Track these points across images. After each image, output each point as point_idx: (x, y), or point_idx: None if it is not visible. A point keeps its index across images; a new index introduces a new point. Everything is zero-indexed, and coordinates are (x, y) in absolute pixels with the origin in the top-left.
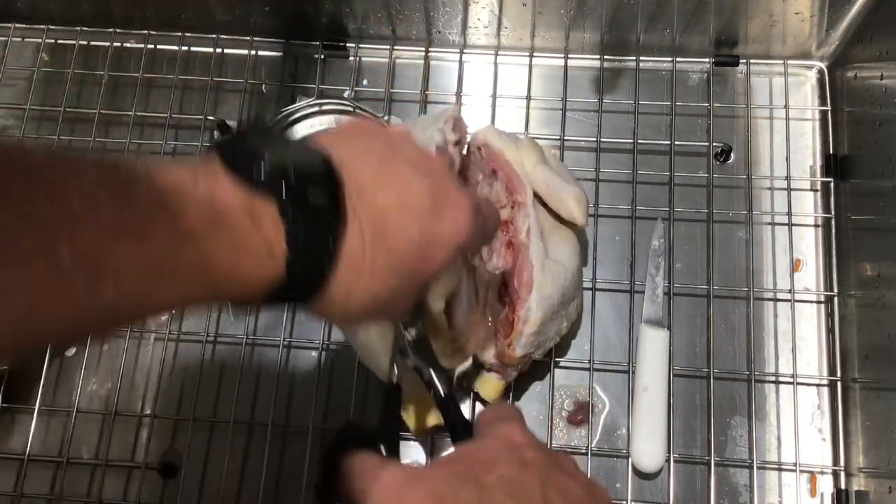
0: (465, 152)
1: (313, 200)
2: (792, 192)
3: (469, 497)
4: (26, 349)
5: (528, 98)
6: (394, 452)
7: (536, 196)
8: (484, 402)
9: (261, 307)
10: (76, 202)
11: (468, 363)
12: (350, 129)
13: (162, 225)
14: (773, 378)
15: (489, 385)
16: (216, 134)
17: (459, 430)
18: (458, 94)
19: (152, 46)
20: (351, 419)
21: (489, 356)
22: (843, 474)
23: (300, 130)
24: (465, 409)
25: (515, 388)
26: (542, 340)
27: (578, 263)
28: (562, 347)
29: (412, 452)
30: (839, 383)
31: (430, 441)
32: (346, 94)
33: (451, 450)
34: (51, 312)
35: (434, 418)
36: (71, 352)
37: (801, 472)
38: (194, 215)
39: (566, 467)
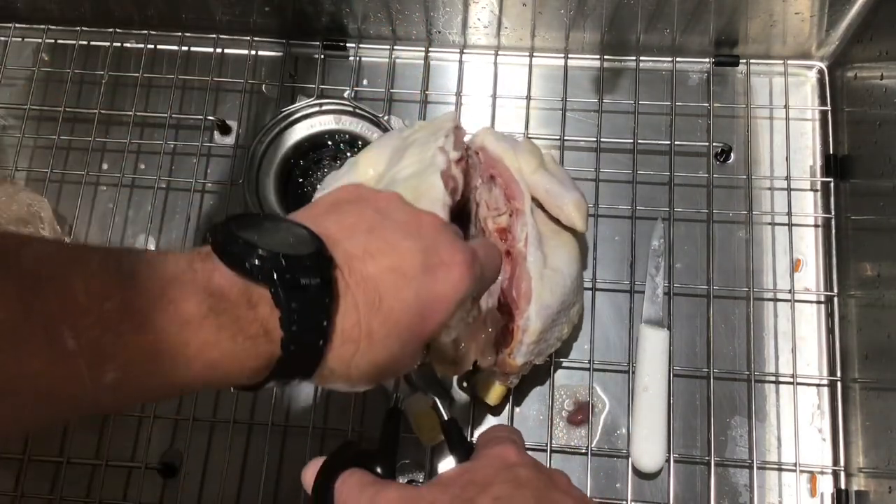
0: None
1: (306, 283)
2: (792, 192)
3: None
4: (27, 430)
5: (528, 98)
6: (390, 474)
7: (535, 200)
8: (486, 406)
9: (262, 386)
10: (80, 293)
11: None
12: (337, 199)
13: (161, 312)
14: (773, 378)
15: (491, 390)
16: (216, 134)
17: (461, 452)
18: (458, 94)
19: (152, 46)
20: (349, 439)
21: (490, 364)
22: (843, 474)
23: (300, 130)
24: (467, 412)
25: (516, 389)
26: (542, 348)
27: (578, 268)
28: (562, 347)
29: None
30: (839, 383)
31: (430, 460)
32: (346, 94)
33: (447, 468)
34: (53, 397)
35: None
36: None
37: (801, 472)
38: (192, 302)
39: (560, 485)
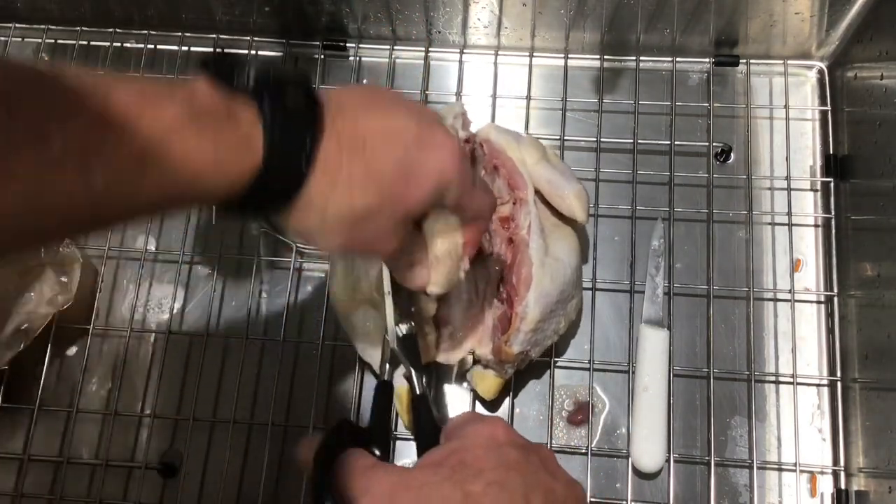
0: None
1: (291, 104)
2: (792, 192)
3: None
4: (26, 242)
5: (528, 98)
6: (385, 451)
7: (538, 194)
8: (482, 399)
9: (242, 211)
10: (64, 99)
11: (465, 357)
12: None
13: (147, 119)
14: (773, 378)
15: (486, 382)
16: None
17: (428, 430)
18: (459, 94)
19: (152, 46)
20: (345, 418)
21: (486, 352)
22: (843, 474)
23: None
24: (465, 404)
25: (515, 388)
26: (539, 338)
27: (578, 263)
28: (562, 347)
29: (408, 451)
30: (839, 383)
31: None
32: None
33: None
34: (46, 200)
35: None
36: (72, 351)
37: (801, 472)
38: (173, 110)
39: (548, 465)
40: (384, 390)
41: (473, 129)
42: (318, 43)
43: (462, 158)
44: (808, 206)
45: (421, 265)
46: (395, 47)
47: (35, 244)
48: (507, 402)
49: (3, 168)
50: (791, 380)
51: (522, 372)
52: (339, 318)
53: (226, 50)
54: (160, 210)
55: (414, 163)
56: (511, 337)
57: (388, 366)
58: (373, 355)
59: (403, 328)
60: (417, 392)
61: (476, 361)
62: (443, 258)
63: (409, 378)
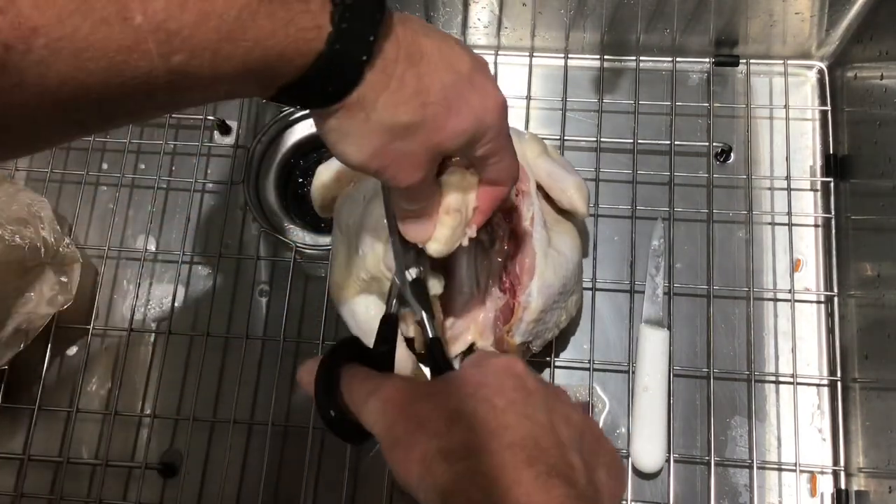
0: None
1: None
2: (792, 192)
3: (485, 415)
4: (111, 119)
5: (528, 98)
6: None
7: (539, 189)
8: None
9: (294, 99)
10: None
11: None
12: None
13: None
14: (773, 378)
15: None
16: (216, 134)
17: (443, 370)
18: None
19: None
20: (351, 336)
21: (488, 343)
22: (843, 474)
23: (300, 130)
24: None
25: None
26: (540, 330)
27: (579, 258)
28: (561, 347)
29: None
30: (839, 383)
31: None
32: None
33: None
34: (128, 68)
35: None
36: (72, 351)
37: (801, 472)
38: None
39: (563, 398)
40: (389, 322)
41: None
42: None
43: (505, 112)
44: (808, 205)
45: (428, 218)
46: None
47: (120, 121)
48: None
49: (88, 39)
50: (791, 380)
51: None
52: (338, 307)
53: (228, 123)
54: (227, 93)
55: (462, 93)
56: (513, 327)
57: (394, 301)
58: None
59: (413, 272)
60: (431, 335)
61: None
62: (452, 214)
63: (420, 322)
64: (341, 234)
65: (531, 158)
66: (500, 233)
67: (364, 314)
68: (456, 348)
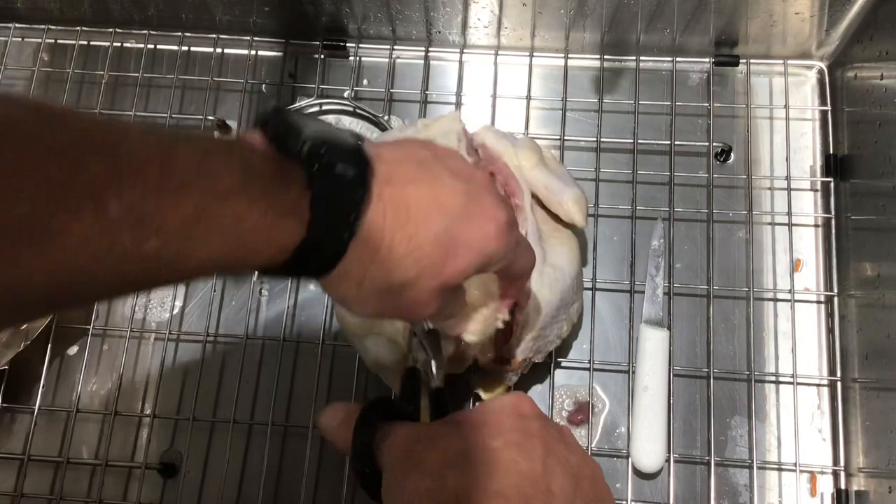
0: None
1: (341, 172)
2: (792, 192)
3: (477, 458)
4: (79, 298)
5: (528, 98)
6: None
7: (535, 198)
8: (472, 398)
9: (281, 276)
10: (123, 161)
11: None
12: (399, 138)
13: (198, 182)
14: (773, 378)
15: (490, 388)
16: (216, 134)
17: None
18: (458, 94)
19: (152, 46)
20: (383, 397)
21: (489, 361)
22: (843, 474)
23: None
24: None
25: (516, 388)
26: (541, 345)
27: (578, 266)
28: (562, 347)
29: None
30: (839, 383)
31: None
32: (346, 94)
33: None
34: (97, 260)
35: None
36: (72, 351)
37: (801, 472)
38: (228, 174)
39: (567, 440)
40: (413, 376)
41: (470, 130)
42: (318, 43)
43: (509, 229)
44: (807, 205)
45: (457, 315)
46: (395, 47)
47: (86, 303)
48: None
49: (61, 228)
50: (791, 380)
51: (523, 373)
52: (349, 337)
53: (228, 123)
54: (204, 275)
55: (457, 235)
56: (513, 346)
57: (413, 355)
58: (388, 377)
59: (430, 323)
60: (437, 384)
61: (480, 367)
62: (479, 309)
63: (426, 371)
64: None
65: (527, 170)
66: None
67: (375, 351)
68: (459, 367)
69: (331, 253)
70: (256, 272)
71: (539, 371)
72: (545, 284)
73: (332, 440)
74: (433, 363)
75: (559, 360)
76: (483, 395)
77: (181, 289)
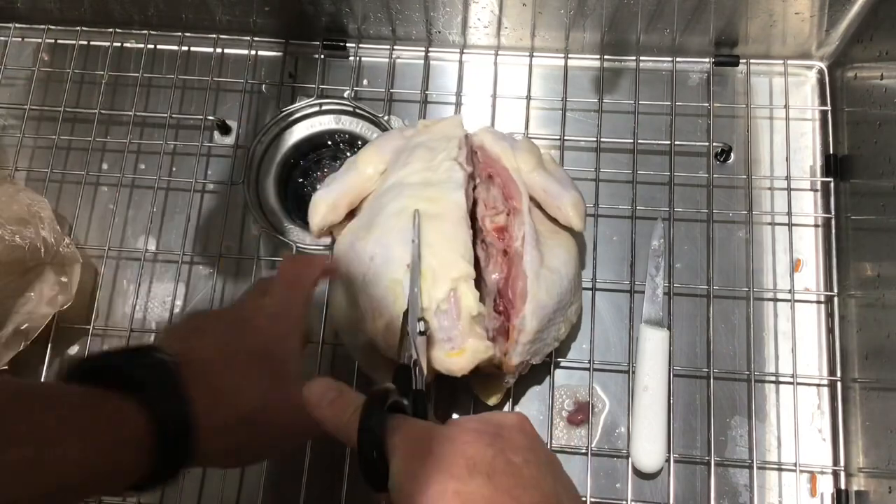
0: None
1: (147, 370)
2: (792, 192)
3: (503, 469)
4: None
5: (528, 98)
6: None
7: (533, 200)
8: (485, 406)
9: (167, 477)
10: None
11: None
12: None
13: (51, 402)
14: (773, 378)
15: (489, 390)
16: (216, 134)
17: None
18: (458, 94)
19: (152, 46)
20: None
21: (487, 364)
22: (843, 474)
23: (300, 130)
24: (468, 412)
25: (516, 388)
26: (539, 348)
27: (575, 268)
28: (562, 347)
29: None
30: (839, 383)
31: None
32: (346, 94)
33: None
34: None
35: (496, 397)
36: (73, 351)
37: (801, 472)
38: (72, 397)
39: (559, 465)
40: (405, 373)
41: (470, 130)
42: (318, 43)
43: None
44: (807, 206)
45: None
46: (395, 47)
47: None
48: (507, 402)
49: None
50: (791, 380)
51: (523, 374)
52: (340, 333)
53: (228, 123)
54: (84, 492)
55: (247, 334)
56: (510, 349)
57: (405, 353)
58: (378, 377)
59: (421, 325)
60: (419, 387)
61: (478, 371)
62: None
63: (410, 371)
64: (341, 282)
65: (525, 173)
66: (493, 251)
67: (364, 355)
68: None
69: (185, 436)
70: (142, 486)
71: (539, 371)
72: (542, 288)
73: (320, 418)
74: (420, 366)
75: (559, 360)
76: (483, 398)
77: (181, 288)
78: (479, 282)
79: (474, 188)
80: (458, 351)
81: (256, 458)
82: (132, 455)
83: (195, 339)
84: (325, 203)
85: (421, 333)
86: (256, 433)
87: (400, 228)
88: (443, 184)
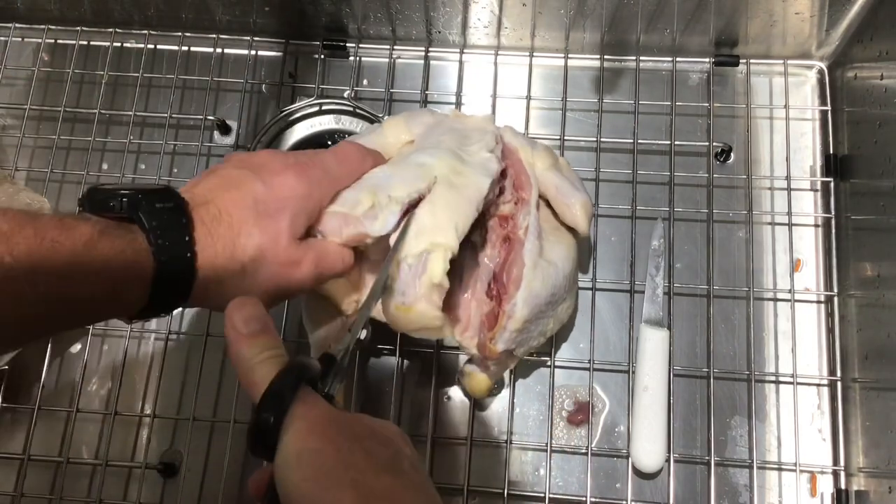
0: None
1: (161, 206)
2: (792, 192)
3: (402, 468)
4: None
5: (528, 98)
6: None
7: (543, 198)
8: (471, 398)
9: (159, 308)
10: (3, 226)
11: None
12: (214, 168)
13: (67, 232)
14: (773, 378)
15: (476, 381)
16: (216, 134)
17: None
18: (458, 94)
19: (152, 46)
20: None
21: (472, 344)
22: (843, 474)
23: (300, 130)
24: (464, 412)
25: (515, 388)
26: (524, 338)
27: (573, 267)
28: (561, 347)
29: None
30: (839, 383)
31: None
32: (346, 94)
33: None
34: (3, 296)
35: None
36: (75, 349)
37: (801, 472)
38: (87, 227)
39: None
40: (329, 361)
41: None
42: (318, 43)
43: (304, 170)
44: (807, 205)
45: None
46: (395, 47)
47: None
48: (507, 401)
49: None
50: (791, 380)
51: (522, 372)
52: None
53: (228, 123)
54: (90, 316)
55: (267, 202)
56: (497, 334)
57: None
58: (314, 333)
59: (364, 333)
60: (334, 380)
61: (468, 360)
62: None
63: (334, 362)
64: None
65: (540, 170)
66: (493, 237)
67: (311, 308)
68: (440, 332)
69: (182, 274)
70: (136, 315)
71: (539, 371)
72: (537, 277)
73: (233, 345)
74: (346, 357)
75: (558, 359)
76: (468, 387)
77: None
78: (471, 266)
79: (500, 190)
80: (406, 307)
81: None
82: (132, 291)
83: (214, 182)
84: None
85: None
86: (252, 281)
87: (414, 176)
88: (475, 167)
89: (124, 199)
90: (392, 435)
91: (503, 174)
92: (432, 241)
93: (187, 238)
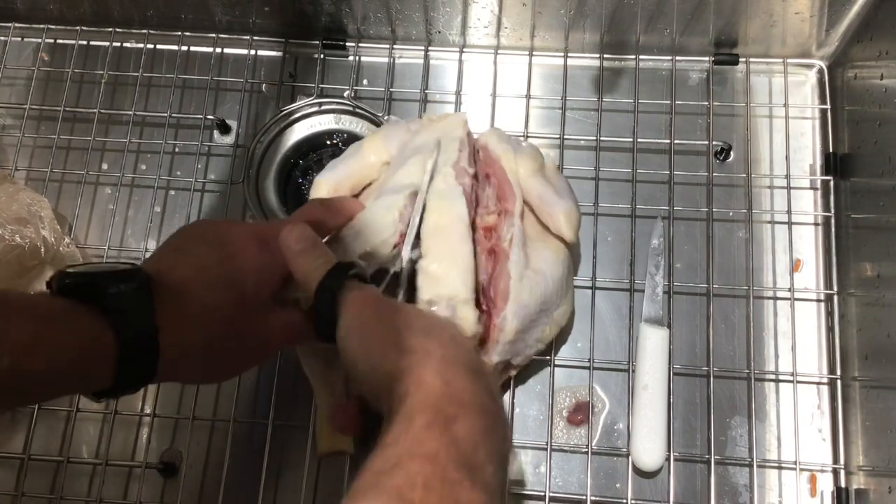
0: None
1: (116, 290)
2: (792, 191)
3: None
4: None
5: (528, 98)
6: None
7: (528, 205)
8: None
9: (125, 386)
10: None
11: None
12: (180, 235)
13: (29, 312)
14: (773, 377)
15: None
16: (216, 134)
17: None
18: (458, 94)
19: (152, 46)
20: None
21: None
22: (843, 473)
23: (300, 130)
24: None
25: (515, 388)
26: (520, 348)
27: (563, 272)
28: (561, 346)
29: None
30: (839, 382)
31: None
32: (346, 94)
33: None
34: None
35: (343, 443)
36: None
37: (801, 471)
38: (48, 304)
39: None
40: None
41: (476, 131)
42: (318, 43)
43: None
44: (807, 204)
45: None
46: (395, 47)
47: None
48: (507, 401)
49: None
50: (791, 379)
51: (522, 371)
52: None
53: (228, 123)
54: (53, 390)
55: (227, 260)
56: (490, 348)
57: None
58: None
59: (415, 253)
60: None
61: None
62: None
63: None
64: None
65: (523, 177)
66: (478, 249)
67: (312, 365)
68: None
69: (146, 351)
70: (103, 393)
71: (539, 371)
72: (525, 288)
73: (291, 263)
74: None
75: (558, 359)
76: None
77: None
78: None
79: (476, 201)
80: None
81: (218, 379)
82: (97, 370)
83: (178, 257)
84: (327, 185)
85: (412, 261)
86: (219, 356)
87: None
88: (449, 193)
89: (87, 284)
90: (434, 316)
91: (487, 178)
92: (447, 296)
93: (150, 316)
